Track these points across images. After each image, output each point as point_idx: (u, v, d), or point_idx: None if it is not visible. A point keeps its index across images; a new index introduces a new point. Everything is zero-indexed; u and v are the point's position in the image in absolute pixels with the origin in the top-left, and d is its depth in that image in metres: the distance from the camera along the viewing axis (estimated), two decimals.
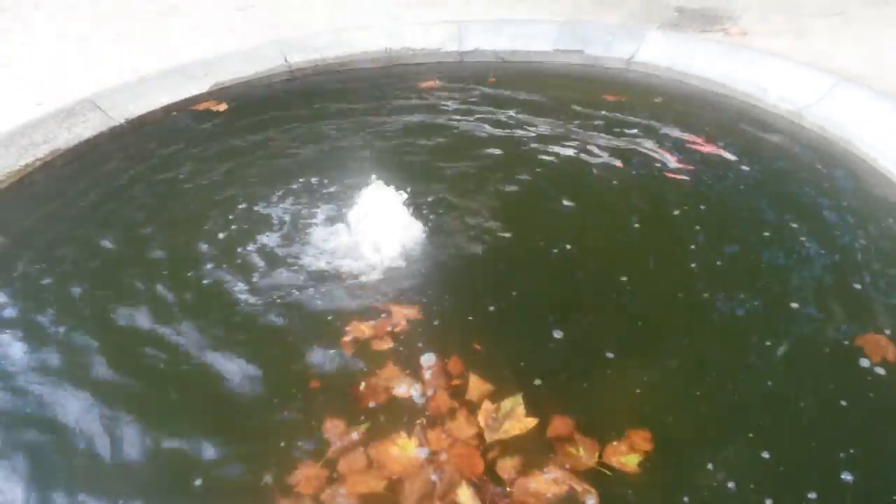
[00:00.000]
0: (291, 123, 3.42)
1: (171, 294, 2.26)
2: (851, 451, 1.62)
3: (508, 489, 1.59)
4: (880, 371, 1.83)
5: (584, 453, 1.66)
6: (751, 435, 1.69)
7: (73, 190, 2.92)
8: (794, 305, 2.06)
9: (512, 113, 3.35)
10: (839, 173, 2.64)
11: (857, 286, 2.11)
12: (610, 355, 1.93)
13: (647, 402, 1.81)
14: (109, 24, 5.13)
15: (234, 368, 1.95)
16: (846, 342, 1.92)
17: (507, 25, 4.05)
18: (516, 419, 1.78)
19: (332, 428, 1.76)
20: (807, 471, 1.60)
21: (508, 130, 3.19)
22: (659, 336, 2.02)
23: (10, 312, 2.25)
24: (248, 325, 2.12)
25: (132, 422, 1.81)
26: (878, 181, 2.56)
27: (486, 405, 1.81)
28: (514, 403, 1.81)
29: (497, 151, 3.01)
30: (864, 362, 1.85)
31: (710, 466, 1.61)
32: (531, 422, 1.76)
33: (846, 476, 1.57)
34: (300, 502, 1.58)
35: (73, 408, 1.85)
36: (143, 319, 2.16)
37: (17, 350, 2.08)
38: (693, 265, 2.24)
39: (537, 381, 1.87)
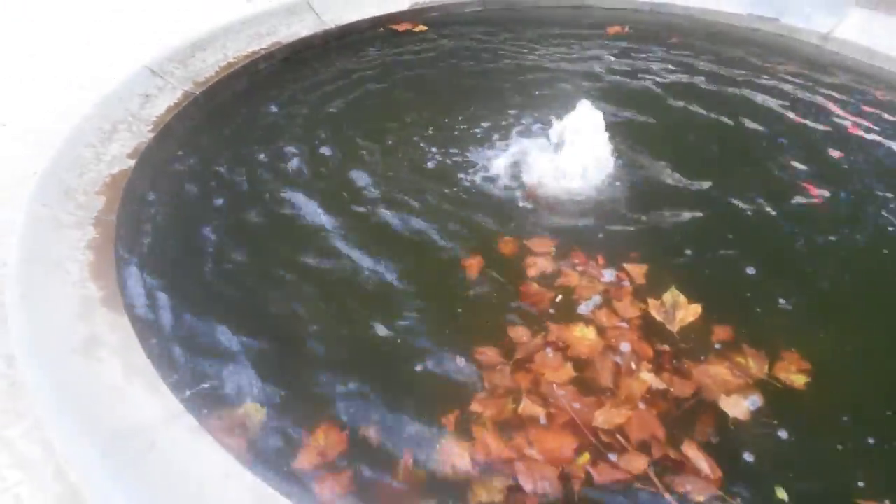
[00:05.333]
0: (485, 50, 3.66)
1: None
2: None
3: (688, 370, 1.83)
4: None
5: (753, 364, 1.85)
6: None
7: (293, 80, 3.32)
8: None
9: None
10: None
11: None
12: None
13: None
14: None
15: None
16: None
17: None
18: (683, 307, 2.00)
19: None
20: None
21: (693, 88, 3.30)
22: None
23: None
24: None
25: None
26: None
27: (652, 301, 2.04)
28: (673, 295, 2.04)
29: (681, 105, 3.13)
30: None
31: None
32: (697, 308, 1.99)
33: None
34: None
35: None
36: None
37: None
38: None
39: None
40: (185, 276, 2.18)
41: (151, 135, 2.76)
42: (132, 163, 2.57)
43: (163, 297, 2.08)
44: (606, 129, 2.65)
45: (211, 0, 4.36)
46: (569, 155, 2.61)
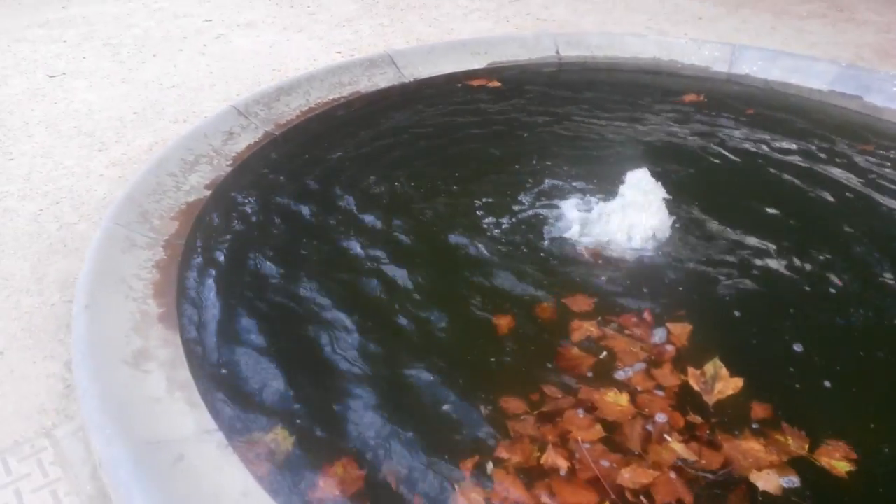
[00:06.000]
0: (553, 107, 3.74)
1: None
2: None
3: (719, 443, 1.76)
4: None
5: (793, 442, 1.76)
6: None
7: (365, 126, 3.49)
8: None
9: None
10: None
11: None
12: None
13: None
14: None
15: None
16: None
17: (784, 57, 4.01)
18: (724, 380, 1.94)
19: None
20: None
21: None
22: None
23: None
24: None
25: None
26: None
27: (692, 371, 1.98)
28: (715, 366, 1.98)
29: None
30: None
31: None
32: (739, 381, 1.92)
33: None
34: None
35: None
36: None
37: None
38: None
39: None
40: (243, 302, 2.28)
41: (230, 169, 2.95)
42: (208, 193, 2.76)
43: (217, 320, 2.19)
44: (668, 192, 2.64)
45: (306, 51, 4.68)
46: (626, 215, 2.60)
